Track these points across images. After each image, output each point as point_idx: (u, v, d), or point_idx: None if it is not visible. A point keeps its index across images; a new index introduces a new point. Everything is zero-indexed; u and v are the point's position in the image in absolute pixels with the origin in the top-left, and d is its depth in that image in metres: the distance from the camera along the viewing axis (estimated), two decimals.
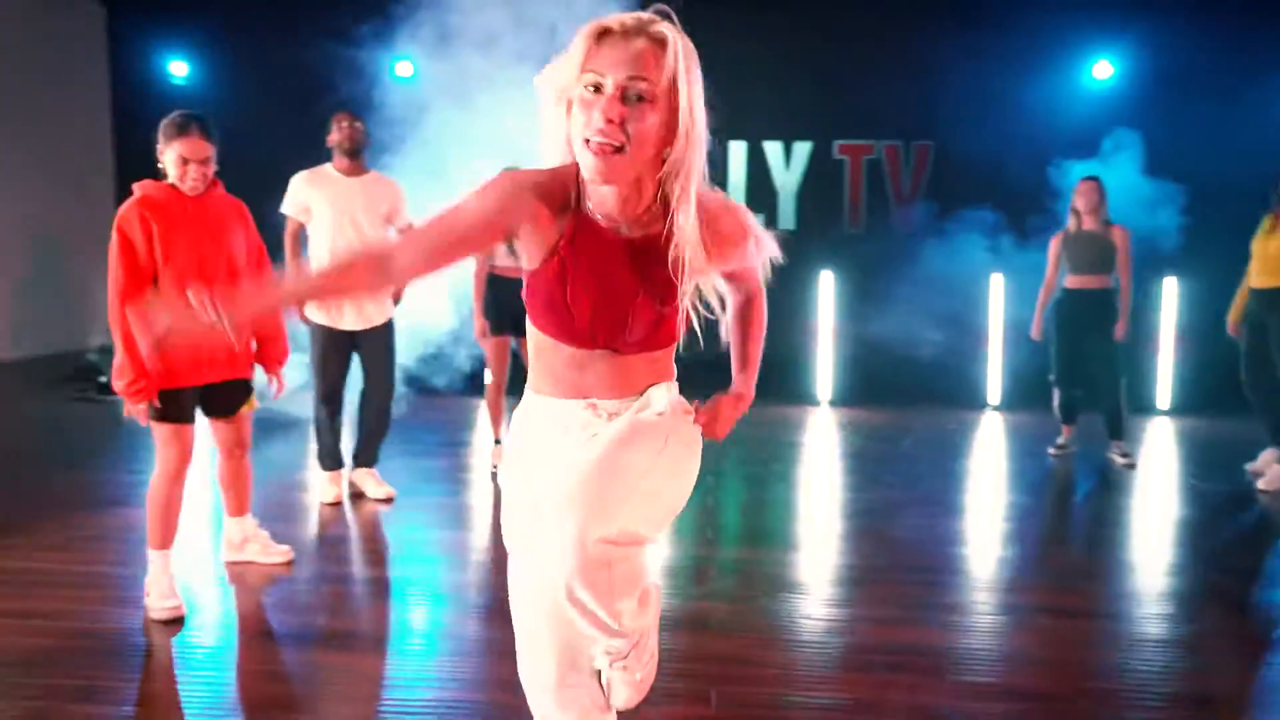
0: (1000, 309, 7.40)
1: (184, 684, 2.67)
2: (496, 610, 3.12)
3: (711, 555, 3.83)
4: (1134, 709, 2.60)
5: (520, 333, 5.07)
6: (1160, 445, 6.21)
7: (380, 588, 3.52)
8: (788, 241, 1.71)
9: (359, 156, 4.37)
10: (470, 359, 7.29)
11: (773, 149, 9.19)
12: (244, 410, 3.34)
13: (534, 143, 1.62)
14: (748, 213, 1.64)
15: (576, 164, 1.48)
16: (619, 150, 1.41)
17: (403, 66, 8.83)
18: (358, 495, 4.53)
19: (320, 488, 4.49)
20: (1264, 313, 4.93)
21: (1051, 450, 5.70)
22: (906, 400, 7.22)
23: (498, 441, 5.16)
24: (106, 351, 7.05)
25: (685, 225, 1.49)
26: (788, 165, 9.28)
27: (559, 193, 1.52)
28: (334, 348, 4.28)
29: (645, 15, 1.44)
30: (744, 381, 1.82)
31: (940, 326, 7.44)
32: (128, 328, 2.89)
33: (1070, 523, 4.67)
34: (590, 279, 1.52)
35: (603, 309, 1.53)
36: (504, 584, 1.80)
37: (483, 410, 5.71)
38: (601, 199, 1.51)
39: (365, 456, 4.57)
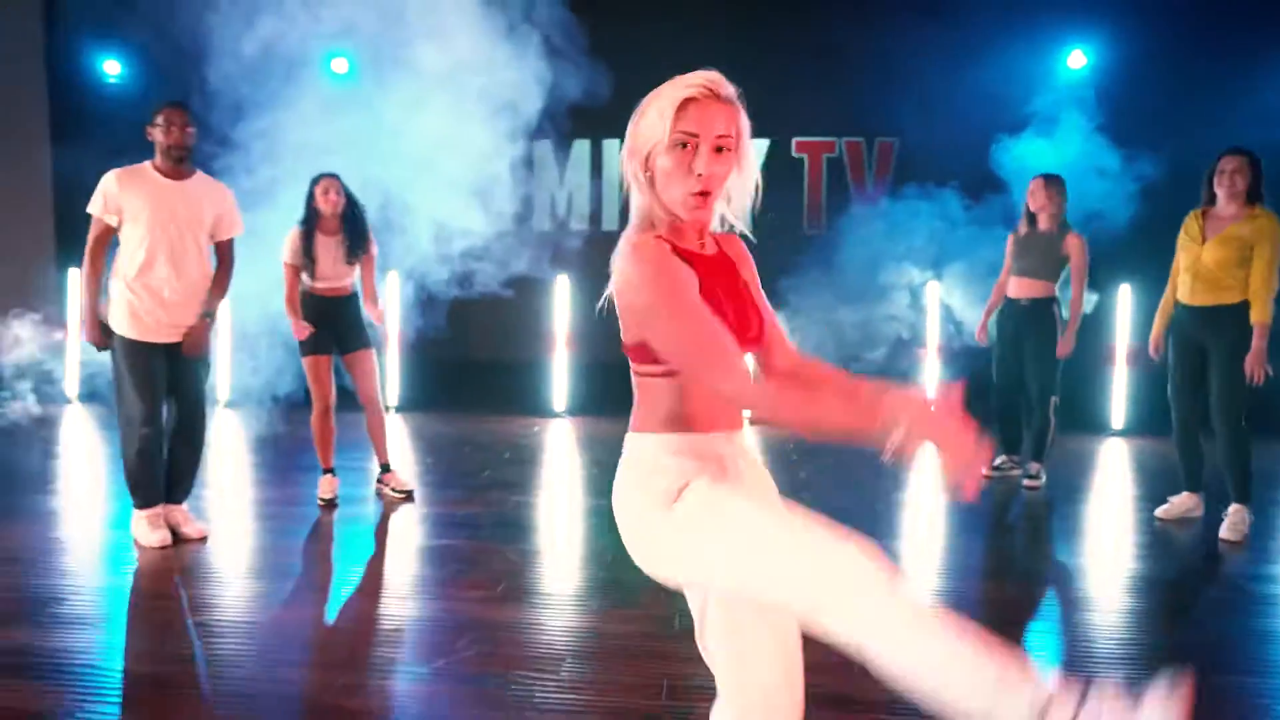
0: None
1: None
2: None
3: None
4: None
5: (344, 350, 4.56)
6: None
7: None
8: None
9: (186, 160, 3.92)
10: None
11: None
12: None
13: None
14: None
15: (649, 219, 1.63)
16: (707, 194, 1.58)
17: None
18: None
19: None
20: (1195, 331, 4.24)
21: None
22: None
23: (327, 471, 4.58)
24: None
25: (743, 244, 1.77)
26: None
27: (672, 248, 1.62)
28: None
29: (714, 77, 1.57)
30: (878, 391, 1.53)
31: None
32: None
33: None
34: (721, 291, 1.65)
35: (737, 309, 1.69)
36: None
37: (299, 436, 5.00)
38: (680, 232, 1.64)
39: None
